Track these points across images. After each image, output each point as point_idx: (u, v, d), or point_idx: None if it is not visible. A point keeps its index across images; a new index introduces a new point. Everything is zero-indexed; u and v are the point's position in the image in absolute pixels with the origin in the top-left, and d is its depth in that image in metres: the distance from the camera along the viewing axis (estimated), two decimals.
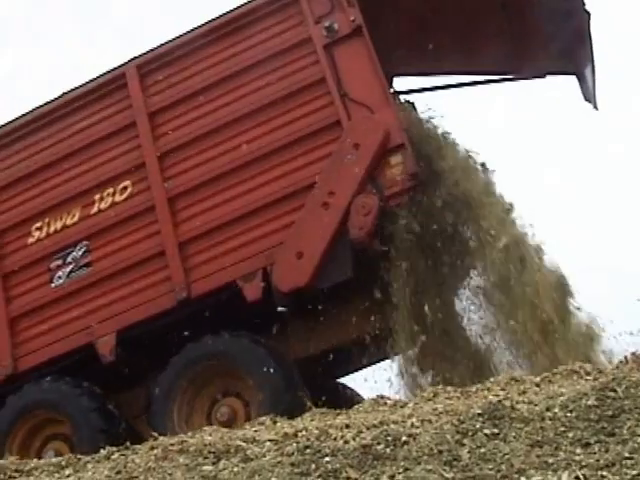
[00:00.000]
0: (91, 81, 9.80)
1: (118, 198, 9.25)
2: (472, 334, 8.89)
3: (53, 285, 9.29)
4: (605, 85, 9.69)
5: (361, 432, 5.03)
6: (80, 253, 9.25)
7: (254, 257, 8.57)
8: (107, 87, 9.70)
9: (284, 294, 8.35)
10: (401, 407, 5.85)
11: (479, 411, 4.92)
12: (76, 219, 9.37)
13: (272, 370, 8.07)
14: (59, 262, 9.32)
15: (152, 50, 9.62)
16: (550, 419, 4.70)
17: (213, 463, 4.95)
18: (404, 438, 4.68)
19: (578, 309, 8.18)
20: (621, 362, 5.96)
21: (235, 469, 4.73)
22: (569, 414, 4.72)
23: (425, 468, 4.25)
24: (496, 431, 4.65)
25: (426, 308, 8.24)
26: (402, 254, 8.23)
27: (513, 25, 9.65)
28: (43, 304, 9.25)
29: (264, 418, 6.43)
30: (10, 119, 10.07)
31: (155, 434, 6.47)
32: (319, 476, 4.43)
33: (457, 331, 8.80)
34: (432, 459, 4.37)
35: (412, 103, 10.05)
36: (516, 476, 4.07)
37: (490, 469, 4.18)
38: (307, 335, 8.81)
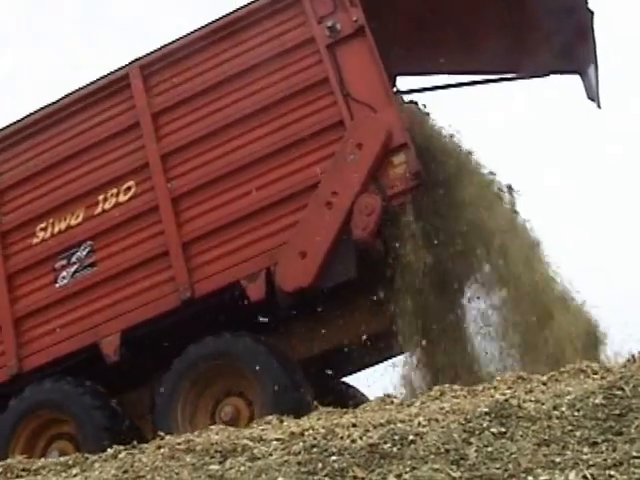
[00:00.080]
0: (94, 82, 9.82)
1: (122, 198, 9.27)
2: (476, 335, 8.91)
3: (58, 285, 9.30)
4: (604, 85, 9.70)
5: (368, 431, 5.03)
6: (84, 253, 9.27)
7: (258, 257, 8.59)
8: (110, 88, 9.71)
9: (287, 294, 8.36)
10: (408, 406, 5.85)
11: (486, 410, 4.92)
12: (80, 219, 9.39)
13: (275, 369, 8.09)
14: (63, 262, 9.34)
15: (155, 51, 9.63)
16: (557, 418, 4.70)
17: (220, 462, 4.96)
18: (411, 437, 4.68)
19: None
20: (628, 361, 5.94)
21: (242, 468, 4.73)
22: (576, 413, 4.72)
23: (432, 467, 4.25)
24: (503, 430, 4.64)
25: (430, 309, 8.24)
26: (407, 254, 8.21)
27: (514, 23, 9.65)
28: (48, 304, 9.27)
29: (271, 417, 6.43)
30: (14, 120, 10.11)
31: (162, 433, 6.47)
32: (326, 475, 4.43)
33: (462, 331, 8.79)
34: (439, 458, 4.37)
35: (416, 103, 10.10)
36: (523, 475, 4.07)
37: (497, 468, 4.18)
38: (311, 335, 8.82)
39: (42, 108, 9.99)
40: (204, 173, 9.03)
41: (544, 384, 5.83)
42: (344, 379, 10.17)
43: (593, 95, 9.69)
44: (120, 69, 9.71)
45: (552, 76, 10.30)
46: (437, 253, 8.46)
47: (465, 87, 10.83)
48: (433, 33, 9.93)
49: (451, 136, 9.45)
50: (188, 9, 37.74)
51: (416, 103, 10.14)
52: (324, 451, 4.72)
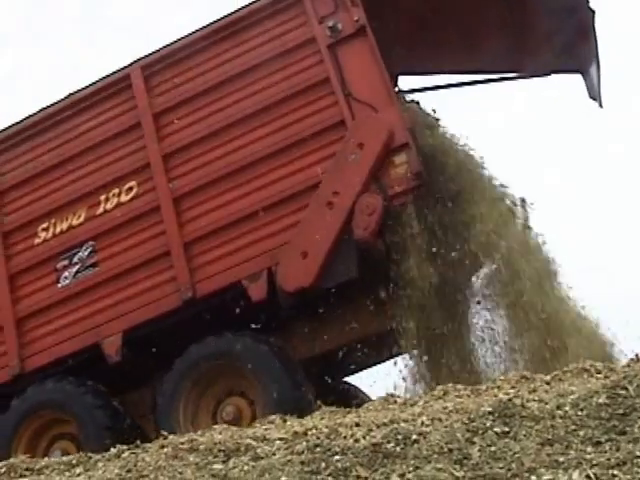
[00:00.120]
0: (96, 82, 9.83)
1: (124, 198, 9.28)
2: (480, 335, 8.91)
3: (60, 285, 9.32)
4: (605, 85, 9.70)
5: (371, 430, 5.03)
6: (86, 253, 9.28)
7: (259, 257, 8.59)
8: (112, 88, 9.73)
9: (289, 294, 8.36)
10: (411, 405, 5.84)
11: (489, 409, 4.92)
12: (82, 219, 9.40)
13: (276, 368, 8.10)
14: (65, 262, 9.35)
15: (157, 51, 9.64)
16: (561, 417, 4.69)
17: (223, 462, 4.95)
18: (414, 437, 4.68)
19: None
20: (632, 360, 5.93)
21: (245, 468, 4.73)
22: (580, 412, 4.71)
23: (435, 467, 4.25)
24: (506, 429, 4.64)
25: (433, 309, 8.24)
26: (409, 254, 8.22)
27: (516, 23, 9.63)
28: (50, 304, 9.28)
29: (274, 417, 6.43)
30: (16, 121, 10.12)
31: (165, 433, 6.48)
32: (329, 475, 4.43)
33: (465, 331, 8.80)
34: (442, 458, 4.37)
35: (418, 102, 10.11)
36: (526, 475, 4.06)
37: (500, 468, 4.18)
38: (312, 335, 8.81)
39: (44, 109, 10.01)
40: (205, 173, 9.04)
41: (547, 384, 5.82)
42: (346, 379, 10.18)
43: (595, 94, 9.69)
44: (121, 69, 9.73)
45: (553, 75, 10.31)
46: (443, 266, 8.47)
47: (466, 87, 10.83)
48: (434, 33, 9.92)
49: (462, 145, 9.42)
50: (188, 9, 37.82)
51: (418, 103, 10.16)
52: (327, 450, 4.72)
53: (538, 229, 9.12)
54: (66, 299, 9.24)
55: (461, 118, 11.47)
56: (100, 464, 5.60)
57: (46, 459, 6.58)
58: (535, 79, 10.51)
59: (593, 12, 9.06)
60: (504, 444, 4.45)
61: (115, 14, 41.70)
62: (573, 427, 4.56)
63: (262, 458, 4.88)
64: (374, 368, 9.60)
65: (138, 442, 6.02)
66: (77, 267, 9.29)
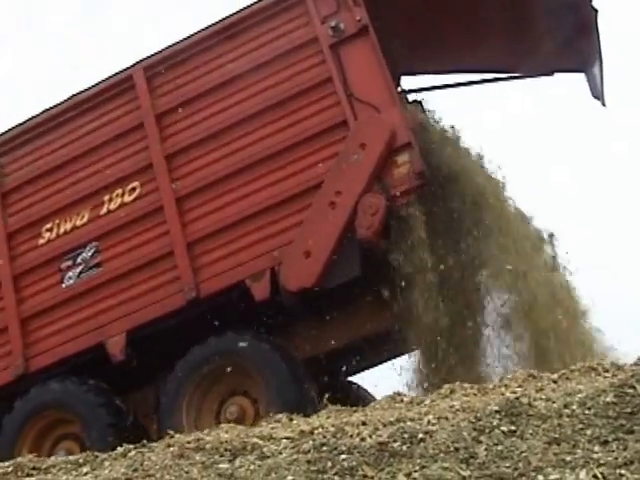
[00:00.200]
0: (99, 83, 9.85)
1: (127, 199, 9.30)
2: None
3: (64, 285, 9.33)
4: (608, 83, 9.71)
5: (377, 429, 5.03)
6: (90, 254, 9.30)
7: (262, 257, 8.60)
8: (115, 89, 9.74)
9: (292, 293, 8.38)
10: (417, 404, 5.83)
11: (496, 408, 4.92)
12: (86, 220, 9.42)
13: (278, 366, 8.13)
14: (69, 263, 9.37)
15: (159, 52, 9.66)
16: (568, 416, 4.68)
17: (229, 461, 4.95)
18: (421, 435, 4.68)
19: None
20: (639, 359, 5.94)
21: (251, 467, 4.73)
22: (587, 411, 4.70)
23: (442, 466, 4.25)
24: (513, 428, 4.64)
25: (438, 307, 8.24)
26: (414, 253, 8.23)
27: (518, 22, 9.62)
28: (54, 304, 9.30)
29: (280, 415, 6.42)
30: (20, 122, 10.14)
31: (171, 432, 6.50)
32: (335, 474, 4.43)
33: (470, 330, 8.79)
34: (449, 456, 4.37)
35: (420, 102, 10.13)
36: (533, 474, 4.06)
37: (507, 467, 4.18)
38: (315, 334, 8.83)
39: (47, 110, 10.02)
40: (208, 173, 9.05)
41: (555, 382, 5.80)
42: (349, 378, 10.19)
43: (598, 93, 9.69)
44: (124, 70, 9.75)
45: (556, 75, 10.33)
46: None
47: (469, 86, 10.83)
48: (437, 32, 9.92)
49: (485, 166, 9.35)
50: (188, 10, 37.81)
51: (420, 102, 10.18)
52: (334, 449, 4.72)
53: (566, 265, 8.99)
54: (70, 299, 9.25)
55: (464, 117, 11.43)
56: (107, 463, 5.60)
57: (53, 458, 6.58)
58: (542, 77, 10.51)
59: (596, 11, 9.07)
60: (511, 443, 4.44)
61: (115, 14, 41.72)
62: (580, 426, 4.55)
63: (268, 457, 4.87)
64: (377, 367, 9.64)
65: (144, 441, 6.01)
66: (81, 267, 9.30)
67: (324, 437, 5.01)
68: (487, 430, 4.67)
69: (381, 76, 8.69)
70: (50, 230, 9.57)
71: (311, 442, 4.92)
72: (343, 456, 4.62)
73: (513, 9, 9.60)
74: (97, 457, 5.82)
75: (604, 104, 9.75)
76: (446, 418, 5.04)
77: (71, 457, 6.09)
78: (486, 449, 4.42)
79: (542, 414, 4.79)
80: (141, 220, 9.19)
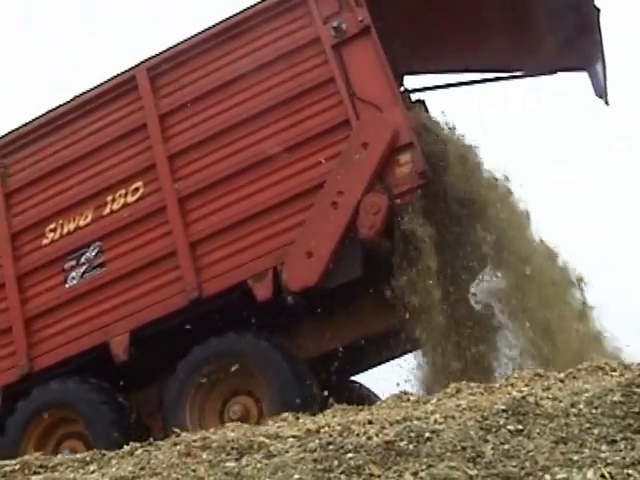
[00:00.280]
0: (102, 84, 9.88)
1: (130, 199, 9.32)
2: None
3: (67, 286, 9.36)
4: (611, 82, 9.73)
5: (384, 428, 5.03)
6: (93, 254, 9.32)
7: (264, 257, 8.62)
8: (118, 90, 9.77)
9: (294, 293, 8.39)
10: (424, 403, 5.83)
11: (503, 407, 4.92)
12: (89, 220, 9.45)
13: (279, 363, 8.16)
14: (73, 263, 9.40)
15: (162, 52, 9.68)
16: (575, 415, 4.68)
17: (236, 459, 4.96)
18: (427, 434, 4.68)
19: None
20: None
21: (258, 465, 4.74)
22: (594, 410, 4.69)
23: (448, 465, 4.25)
24: (520, 427, 4.63)
25: (441, 305, 8.26)
26: (417, 252, 8.24)
27: (520, 21, 9.63)
28: (58, 304, 9.33)
29: (286, 414, 6.43)
30: (23, 123, 10.17)
31: (177, 430, 6.52)
32: (342, 472, 4.43)
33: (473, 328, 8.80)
34: (455, 455, 4.36)
35: (423, 101, 10.15)
36: (540, 473, 4.06)
37: (514, 466, 4.18)
38: (318, 334, 8.84)
39: (50, 110, 10.05)
40: (211, 173, 9.07)
41: (561, 381, 5.79)
42: (352, 378, 10.21)
43: (601, 92, 9.70)
44: (127, 71, 9.77)
45: (558, 74, 10.35)
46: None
47: (471, 85, 10.85)
48: (438, 32, 9.93)
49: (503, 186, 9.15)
50: (188, 10, 37.81)
51: (423, 102, 10.20)
52: (340, 448, 4.72)
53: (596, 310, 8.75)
54: (74, 299, 9.28)
55: (467, 116, 11.43)
56: (114, 461, 5.62)
57: (59, 456, 6.61)
58: (545, 76, 10.53)
59: (598, 10, 9.09)
60: (518, 442, 4.44)
61: (115, 14, 41.73)
62: (587, 425, 4.55)
63: (275, 456, 4.87)
64: (380, 367, 9.66)
65: (151, 439, 6.04)
66: (84, 267, 9.33)
67: (330, 436, 5.01)
68: (494, 429, 4.67)
69: (383, 76, 8.70)
70: (54, 230, 9.60)
71: (317, 441, 4.92)
72: (349, 455, 4.62)
73: (514, 9, 9.61)
74: (104, 455, 5.83)
75: (607, 103, 9.77)
76: (453, 417, 5.03)
77: (78, 455, 6.10)
78: (493, 448, 4.42)
79: (549, 413, 4.78)
80: (144, 220, 9.22)
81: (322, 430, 5.25)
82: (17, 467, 5.98)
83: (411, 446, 4.60)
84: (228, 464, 4.90)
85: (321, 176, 8.62)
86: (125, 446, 5.95)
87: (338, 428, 5.17)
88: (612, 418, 4.57)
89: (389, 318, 8.44)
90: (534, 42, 9.62)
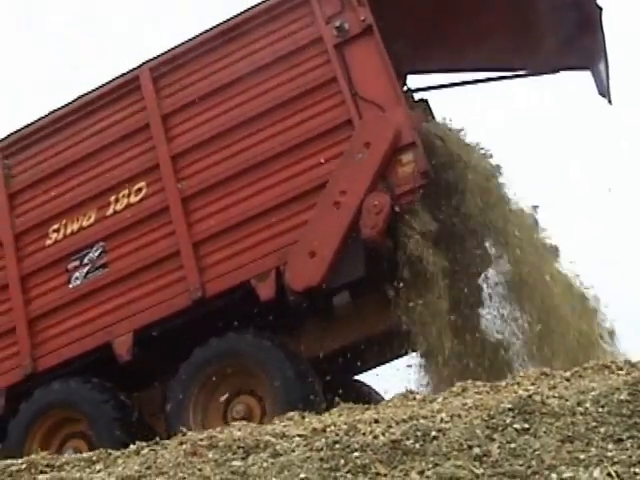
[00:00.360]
0: (105, 84, 9.90)
1: (133, 199, 9.34)
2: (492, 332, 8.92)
3: (71, 286, 9.38)
4: (615, 81, 9.74)
5: (390, 427, 5.03)
6: (96, 254, 9.34)
7: (267, 256, 8.63)
8: (121, 90, 9.79)
9: (297, 293, 8.39)
10: (430, 402, 5.83)
11: (509, 406, 4.92)
12: (92, 220, 9.47)
13: (281, 361, 8.17)
14: (76, 263, 9.42)
15: (165, 52, 9.71)
16: (581, 414, 4.68)
17: (242, 458, 4.96)
18: (433, 433, 4.69)
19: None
20: None
21: (264, 464, 4.75)
22: (601, 409, 4.69)
23: (455, 464, 4.26)
24: (526, 426, 4.64)
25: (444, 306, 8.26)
26: (419, 252, 8.23)
27: (523, 20, 9.62)
28: (61, 305, 9.35)
29: (292, 413, 6.42)
30: (26, 123, 10.19)
31: (183, 429, 6.53)
32: (348, 471, 4.45)
33: (476, 328, 8.81)
34: (462, 454, 4.37)
35: (426, 101, 10.16)
36: (547, 472, 4.06)
37: (520, 465, 4.19)
38: (320, 333, 8.86)
39: (53, 111, 10.06)
40: (214, 173, 9.08)
41: (568, 380, 5.79)
42: (356, 377, 10.21)
43: (604, 91, 9.71)
44: (130, 71, 9.79)
45: (561, 73, 10.36)
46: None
47: (474, 84, 10.85)
48: (441, 31, 9.92)
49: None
50: (188, 10, 37.80)
51: (426, 101, 10.21)
52: (346, 447, 4.72)
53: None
54: (77, 299, 9.30)
55: (470, 114, 11.43)
56: (120, 460, 5.63)
57: (66, 455, 6.63)
58: (548, 75, 10.53)
59: (600, 9, 9.10)
60: (524, 441, 4.44)
61: (115, 14, 41.73)
62: (594, 424, 4.55)
63: (281, 455, 4.88)
64: (383, 366, 9.66)
65: (157, 439, 6.05)
66: (88, 268, 9.35)
67: (337, 435, 5.02)
68: (500, 428, 4.67)
69: (385, 75, 8.71)
70: (57, 231, 9.62)
71: (324, 440, 4.93)
72: (356, 454, 4.63)
73: (517, 8, 9.61)
74: (110, 454, 5.84)
75: (610, 101, 9.77)
76: (459, 416, 5.03)
77: (84, 454, 6.11)
78: (499, 447, 4.43)
79: (555, 412, 4.78)
80: (147, 220, 9.23)
81: (328, 429, 5.24)
82: (23, 466, 5.99)
83: (417, 445, 4.61)
84: (234, 463, 4.90)
85: (324, 176, 8.63)
86: (131, 445, 5.96)
87: (344, 427, 5.17)
88: (618, 417, 4.57)
89: (392, 318, 8.43)
90: (536, 41, 9.61)
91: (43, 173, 9.91)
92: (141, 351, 8.90)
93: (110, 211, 9.42)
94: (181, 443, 5.52)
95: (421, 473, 4.30)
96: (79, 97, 9.96)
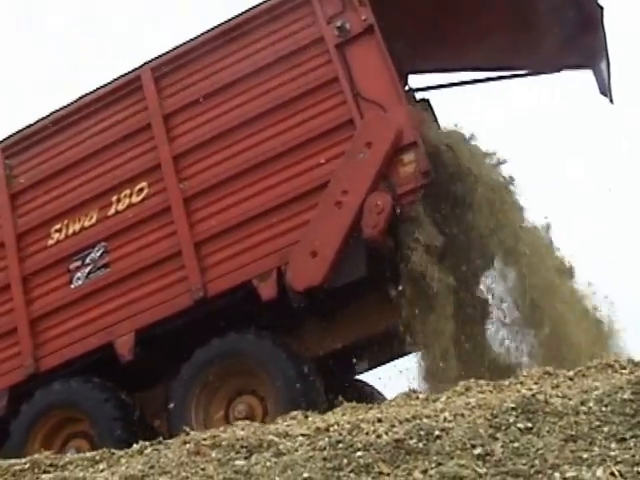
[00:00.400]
0: (107, 84, 9.91)
1: (135, 199, 9.34)
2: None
3: (72, 286, 9.38)
4: (618, 80, 9.76)
5: (393, 426, 5.03)
6: (98, 254, 9.34)
7: (269, 256, 8.63)
8: (122, 90, 9.79)
9: (298, 293, 8.40)
10: (433, 401, 5.83)
11: (512, 405, 4.92)
12: (94, 221, 9.47)
13: (282, 360, 8.19)
14: (78, 263, 9.42)
15: (167, 53, 9.71)
16: (584, 413, 4.68)
17: (245, 458, 4.97)
18: (437, 432, 4.69)
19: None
20: None
21: (267, 464, 4.75)
22: (604, 408, 4.69)
23: (458, 463, 4.26)
24: (530, 425, 4.64)
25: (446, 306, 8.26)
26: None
27: (524, 19, 9.61)
28: (63, 305, 9.35)
29: (296, 413, 6.41)
30: (27, 124, 10.19)
31: (187, 428, 6.54)
32: (351, 471, 4.45)
33: (477, 328, 8.81)
34: (465, 454, 4.37)
35: (428, 100, 10.16)
36: (550, 471, 4.07)
37: (523, 464, 4.19)
38: (322, 333, 8.88)
39: (55, 112, 10.07)
40: (216, 173, 9.09)
41: (571, 379, 5.78)
42: (357, 377, 10.22)
43: (605, 90, 9.72)
44: (132, 71, 9.79)
45: (563, 72, 10.37)
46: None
47: (476, 84, 10.86)
48: (442, 31, 9.94)
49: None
50: (188, 10, 37.80)
51: (428, 101, 10.22)
52: (349, 447, 4.72)
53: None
54: (79, 300, 9.30)
55: (473, 113, 11.45)
56: (123, 460, 5.63)
57: (69, 455, 6.63)
58: (550, 74, 10.54)
59: (601, 8, 9.10)
60: (527, 440, 4.44)
61: (115, 14, 41.73)
62: (597, 423, 4.55)
63: (284, 454, 4.88)
64: (385, 366, 9.67)
65: (160, 438, 6.05)
66: (89, 268, 9.35)
67: (340, 434, 5.02)
68: (503, 427, 4.67)
69: (387, 75, 8.72)
70: (59, 231, 9.62)
71: (327, 439, 4.93)
72: (359, 453, 4.63)
73: (517, 7, 9.62)
74: (113, 454, 5.84)
75: (612, 101, 9.78)
76: (462, 415, 5.03)
77: (88, 454, 6.11)
78: (502, 446, 4.43)
79: (558, 411, 4.78)
80: (149, 220, 9.24)
81: (331, 428, 5.24)
82: (27, 466, 6.00)
83: (420, 444, 4.61)
84: (237, 462, 4.90)
85: (325, 176, 8.63)
86: (134, 445, 5.96)
87: (347, 426, 5.17)
88: (622, 416, 4.56)
89: (393, 317, 8.44)
90: (537, 40, 9.60)
91: (45, 173, 9.91)
92: (143, 351, 8.90)
93: (112, 211, 9.43)
94: (184, 442, 5.52)
95: (424, 472, 4.30)
96: (81, 97, 9.97)
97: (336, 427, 5.25)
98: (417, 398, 6.15)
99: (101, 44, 40.68)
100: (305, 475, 4.49)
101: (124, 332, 8.95)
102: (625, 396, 4.79)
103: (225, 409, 8.58)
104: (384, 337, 8.68)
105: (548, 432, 4.54)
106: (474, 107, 12.19)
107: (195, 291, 8.76)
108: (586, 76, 10.00)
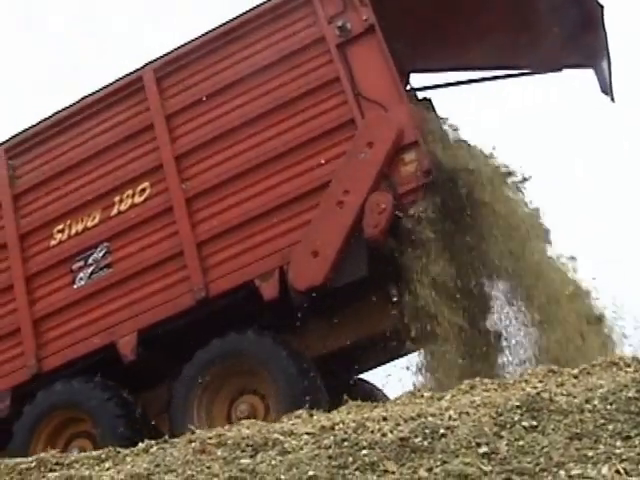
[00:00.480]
0: (109, 85, 9.93)
1: (137, 200, 9.36)
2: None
3: (75, 286, 9.41)
4: (619, 79, 9.77)
5: (398, 425, 5.04)
6: (101, 254, 9.36)
7: (271, 256, 8.64)
8: (125, 91, 9.82)
9: (300, 293, 8.41)
10: (438, 399, 5.85)
11: (517, 403, 4.94)
12: (96, 221, 9.50)
13: (282, 358, 8.19)
14: (81, 263, 9.44)
15: (168, 53, 9.74)
16: (589, 411, 4.69)
17: (251, 456, 4.98)
18: (442, 431, 4.70)
19: None
20: None
21: (273, 462, 4.77)
22: (609, 406, 4.70)
23: (463, 461, 4.27)
24: (534, 423, 4.65)
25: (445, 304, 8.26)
26: (421, 250, 8.25)
27: (525, 18, 9.62)
28: (66, 305, 9.38)
29: (301, 411, 6.43)
30: (30, 124, 10.22)
31: (192, 427, 6.55)
32: (356, 469, 4.46)
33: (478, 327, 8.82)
34: (470, 452, 4.38)
35: (429, 100, 10.17)
36: (555, 469, 4.07)
37: (528, 462, 4.20)
38: (324, 332, 8.89)
39: (57, 112, 10.09)
40: (217, 173, 9.10)
41: (575, 377, 5.80)
42: (359, 377, 10.23)
43: (606, 89, 9.73)
44: (134, 72, 9.82)
45: (563, 71, 10.38)
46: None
47: (477, 83, 10.87)
48: (442, 31, 9.95)
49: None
50: (188, 10, 37.79)
51: (429, 100, 10.23)
52: (355, 445, 4.74)
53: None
54: (82, 300, 9.33)
55: (474, 113, 11.46)
56: (129, 458, 5.65)
57: (75, 454, 6.64)
58: (551, 73, 10.54)
59: (601, 7, 9.12)
60: (532, 438, 4.46)
61: (115, 14, 41.72)
62: (602, 421, 4.56)
63: (290, 452, 4.89)
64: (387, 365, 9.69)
65: (166, 437, 6.07)
66: (92, 268, 9.37)
67: (345, 432, 5.03)
68: (508, 425, 4.69)
69: (388, 75, 8.73)
70: (62, 231, 9.64)
71: (332, 437, 4.94)
72: (364, 451, 4.65)
73: (517, 7, 9.63)
74: (119, 452, 5.86)
75: (613, 99, 9.78)
76: (467, 413, 5.04)
77: (93, 452, 6.13)
78: (507, 444, 4.44)
79: (563, 409, 4.79)
80: (151, 221, 9.26)
81: (337, 427, 5.25)
82: (33, 465, 6.01)
83: (426, 442, 4.62)
84: (243, 461, 4.92)
85: (327, 175, 8.64)
86: (140, 443, 5.98)
87: (353, 425, 5.17)
88: (627, 414, 4.58)
89: (394, 317, 8.45)
90: (538, 39, 9.60)
91: (48, 174, 9.93)
92: (145, 351, 8.92)
93: (114, 211, 9.45)
94: (190, 441, 5.54)
95: (429, 470, 4.31)
96: (83, 98, 9.99)
97: (341, 425, 5.26)
98: (422, 397, 6.16)
99: (101, 44, 40.71)
100: (310, 473, 4.50)
101: (126, 332, 8.97)
102: (630, 394, 4.80)
103: (227, 409, 8.58)
104: (385, 336, 8.67)
105: (553, 430, 4.55)
106: (470, 107, 12.19)
107: (197, 291, 8.78)
108: (585, 75, 10.03)
